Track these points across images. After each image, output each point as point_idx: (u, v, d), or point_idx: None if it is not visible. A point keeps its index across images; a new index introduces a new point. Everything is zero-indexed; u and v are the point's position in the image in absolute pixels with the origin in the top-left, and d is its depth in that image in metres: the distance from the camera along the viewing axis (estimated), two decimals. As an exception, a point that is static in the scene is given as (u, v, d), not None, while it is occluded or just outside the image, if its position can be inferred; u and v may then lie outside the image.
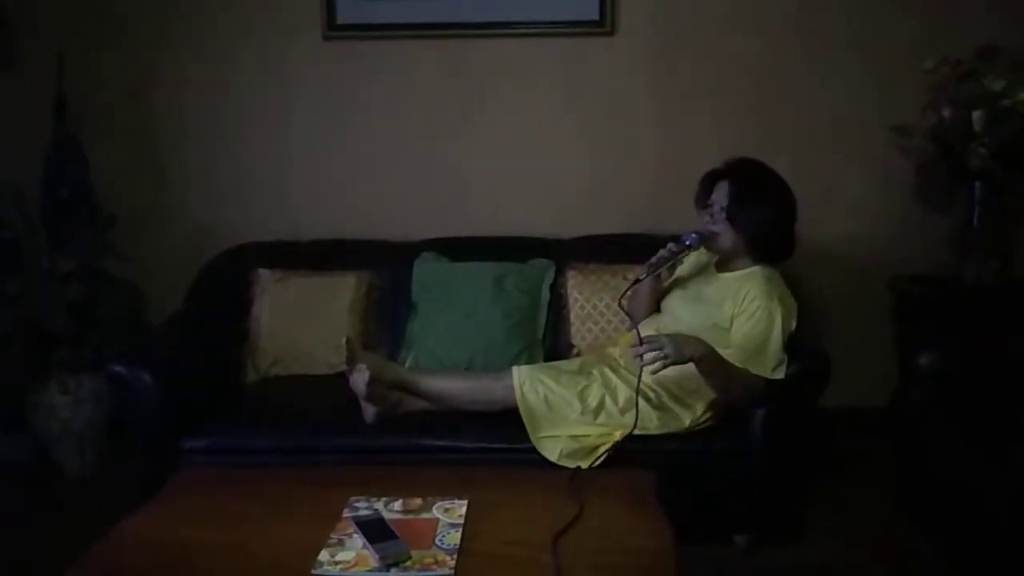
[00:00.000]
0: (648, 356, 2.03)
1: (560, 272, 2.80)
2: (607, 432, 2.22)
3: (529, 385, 2.28)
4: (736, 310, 2.27)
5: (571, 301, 2.75)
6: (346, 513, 1.66)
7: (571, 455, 2.18)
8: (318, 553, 1.51)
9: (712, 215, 2.33)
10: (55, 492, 2.84)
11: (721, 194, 2.32)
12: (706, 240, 2.34)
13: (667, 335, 2.13)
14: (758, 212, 2.29)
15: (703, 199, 2.38)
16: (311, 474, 1.97)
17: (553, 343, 2.74)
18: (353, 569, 1.47)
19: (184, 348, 2.62)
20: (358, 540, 1.55)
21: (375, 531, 1.55)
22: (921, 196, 3.06)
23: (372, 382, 2.32)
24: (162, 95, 3.10)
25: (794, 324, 2.27)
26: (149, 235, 3.13)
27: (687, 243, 2.30)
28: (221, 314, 2.79)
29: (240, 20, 3.04)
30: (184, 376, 2.47)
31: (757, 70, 3.01)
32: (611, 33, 2.98)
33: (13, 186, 2.84)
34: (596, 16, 2.96)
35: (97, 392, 2.84)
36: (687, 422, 2.27)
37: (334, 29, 3.01)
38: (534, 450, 2.23)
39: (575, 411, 2.24)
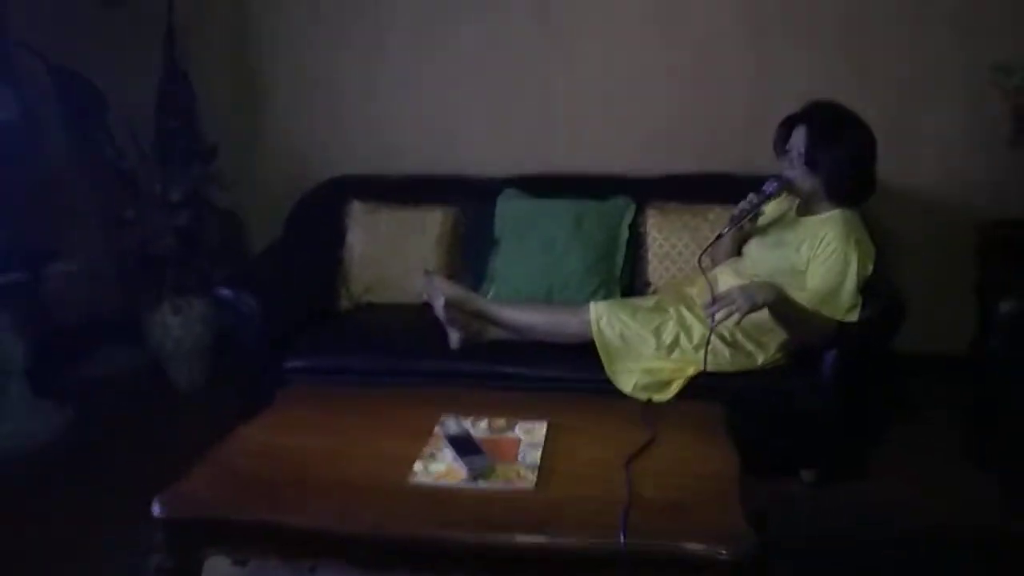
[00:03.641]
0: (720, 315, 2.11)
1: (640, 211, 2.86)
2: (680, 367, 2.32)
3: (606, 320, 2.38)
4: (813, 253, 2.30)
5: (650, 240, 2.81)
6: (437, 430, 1.81)
7: (645, 388, 2.28)
8: (413, 463, 1.67)
9: (791, 160, 2.35)
10: (167, 403, 3.11)
11: (799, 139, 2.33)
12: (785, 186, 2.36)
13: (739, 286, 2.19)
14: (835, 155, 2.29)
15: (781, 145, 2.39)
16: (403, 394, 2.13)
17: (630, 281, 2.81)
18: (444, 479, 1.63)
19: (283, 274, 2.81)
20: (448, 453, 1.70)
21: (464, 446, 1.70)
22: (1017, 139, 2.97)
23: (452, 309, 2.47)
24: (261, 29, 3.23)
25: (871, 268, 2.28)
26: (249, 165, 3.30)
27: (767, 192, 2.33)
28: (317, 243, 2.96)
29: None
30: (284, 300, 2.67)
31: (850, 5, 2.94)
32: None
33: (128, 118, 3.03)
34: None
35: (204, 313, 3.07)
36: (760, 360, 2.34)
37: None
38: (609, 381, 2.34)
39: (650, 346, 2.33)
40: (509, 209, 2.93)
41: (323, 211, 3.03)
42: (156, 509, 1.54)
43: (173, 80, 3.07)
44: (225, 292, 2.58)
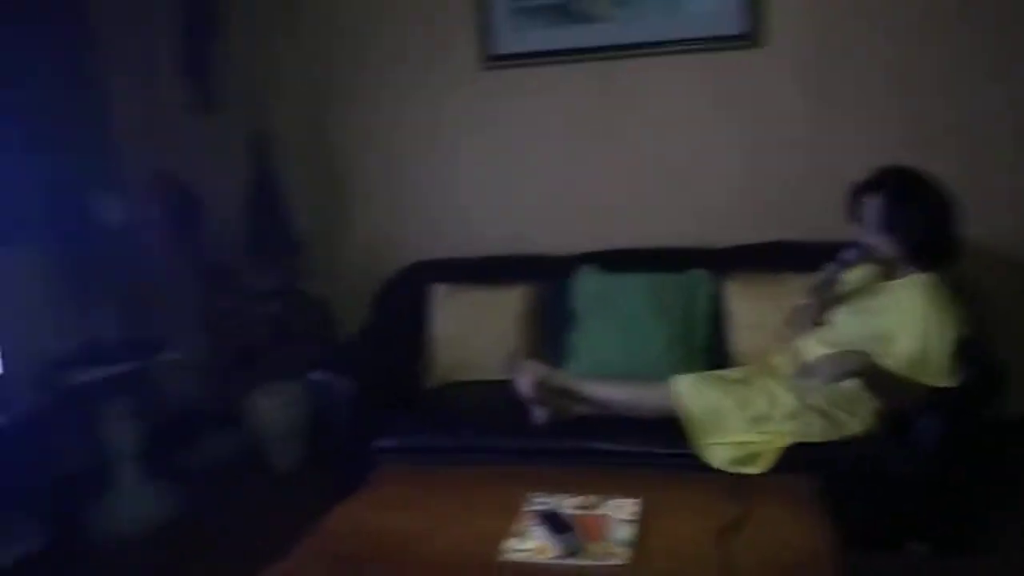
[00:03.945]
0: (810, 385, 2.09)
1: (719, 282, 2.87)
2: (770, 439, 2.29)
3: (692, 393, 2.38)
4: (898, 319, 2.27)
5: (731, 311, 2.81)
6: (526, 507, 1.83)
7: (735, 461, 2.26)
8: (504, 541, 1.70)
9: (867, 227, 2.34)
10: (266, 484, 3.22)
11: (873, 206, 2.32)
12: (865, 254, 2.35)
13: (827, 355, 2.17)
14: (912, 220, 2.28)
15: (854, 212, 2.38)
16: (491, 472, 2.17)
17: (714, 353, 2.80)
18: (536, 556, 1.65)
19: (372, 356, 2.91)
20: (539, 531, 1.72)
21: (554, 523, 1.72)
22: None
23: (536, 387, 2.51)
24: (342, 131, 3.44)
25: (961, 331, 2.23)
26: (335, 254, 3.47)
27: (847, 260, 2.33)
28: (402, 325, 3.06)
29: (408, 59, 3.31)
30: (373, 382, 2.76)
31: (911, 73, 2.95)
32: (758, 45, 3.02)
33: (222, 216, 3.24)
34: (742, 30, 3.00)
35: (298, 396, 3.19)
36: (853, 429, 2.29)
37: (491, 59, 3.23)
38: (697, 455, 2.33)
39: (738, 419, 2.32)
40: (587, 285, 2.98)
41: (407, 294, 3.14)
42: (260, 589, 1.60)
43: (263, 181, 3.28)
44: (318, 376, 2.69)
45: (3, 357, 2.66)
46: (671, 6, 3.07)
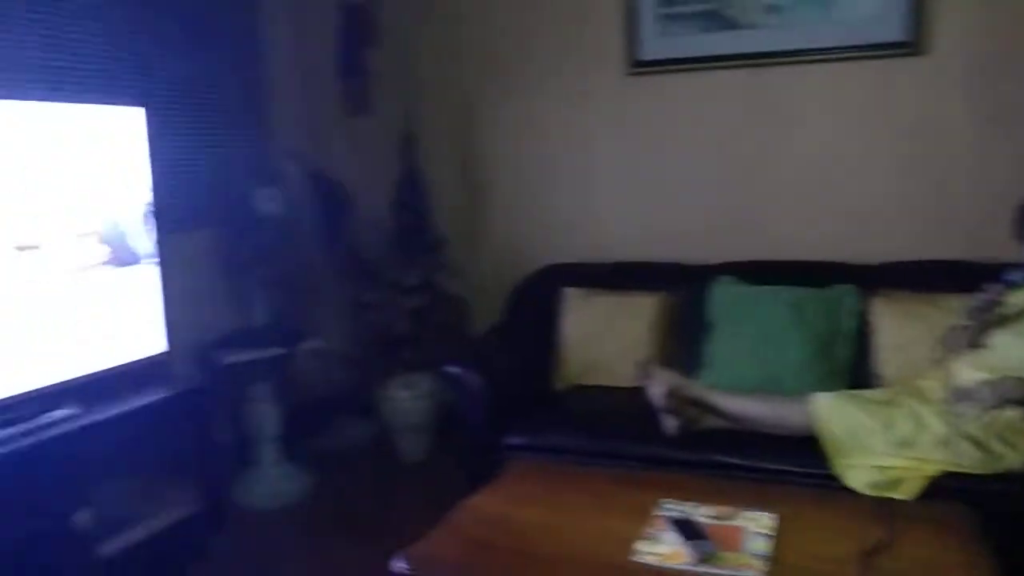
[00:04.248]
0: (966, 412, 1.98)
1: (865, 299, 2.76)
2: (916, 465, 2.17)
3: (832, 412, 2.30)
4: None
5: (878, 329, 2.69)
6: (658, 512, 1.82)
7: (877, 485, 2.16)
8: (635, 543, 1.70)
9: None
10: (394, 471, 3.34)
11: (1040, 226, 2.18)
12: (1030, 275, 2.21)
13: (987, 381, 2.05)
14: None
15: (1020, 231, 2.24)
16: (623, 475, 2.17)
17: (857, 372, 2.69)
18: (669, 561, 1.64)
19: (504, 355, 2.96)
20: (671, 536, 1.71)
21: (687, 530, 1.70)
22: None
23: (669, 396, 2.48)
24: (485, 134, 3.53)
25: None
26: (474, 254, 3.57)
27: (1010, 281, 2.19)
28: (534, 326, 3.11)
29: (553, 65, 3.37)
30: (504, 379, 2.81)
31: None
32: (920, 53, 2.89)
33: (370, 213, 3.39)
34: (904, 37, 2.88)
35: (430, 389, 3.30)
36: (1012, 462, 2.15)
37: (637, 65, 3.23)
38: (835, 476, 2.24)
39: (881, 442, 2.22)
40: (724, 295, 2.93)
41: (539, 296, 3.18)
42: (399, 564, 1.67)
43: (409, 181, 3.41)
44: (453, 370, 2.77)
45: (169, 334, 2.89)
46: (827, 12, 2.98)
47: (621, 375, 2.87)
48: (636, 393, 2.64)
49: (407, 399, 3.30)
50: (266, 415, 3.13)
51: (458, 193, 3.59)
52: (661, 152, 3.29)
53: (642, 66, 3.22)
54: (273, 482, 3.12)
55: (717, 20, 3.09)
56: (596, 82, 3.32)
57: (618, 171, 3.36)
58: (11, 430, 2.12)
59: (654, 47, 3.19)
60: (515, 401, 2.78)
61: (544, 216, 3.50)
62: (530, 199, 3.51)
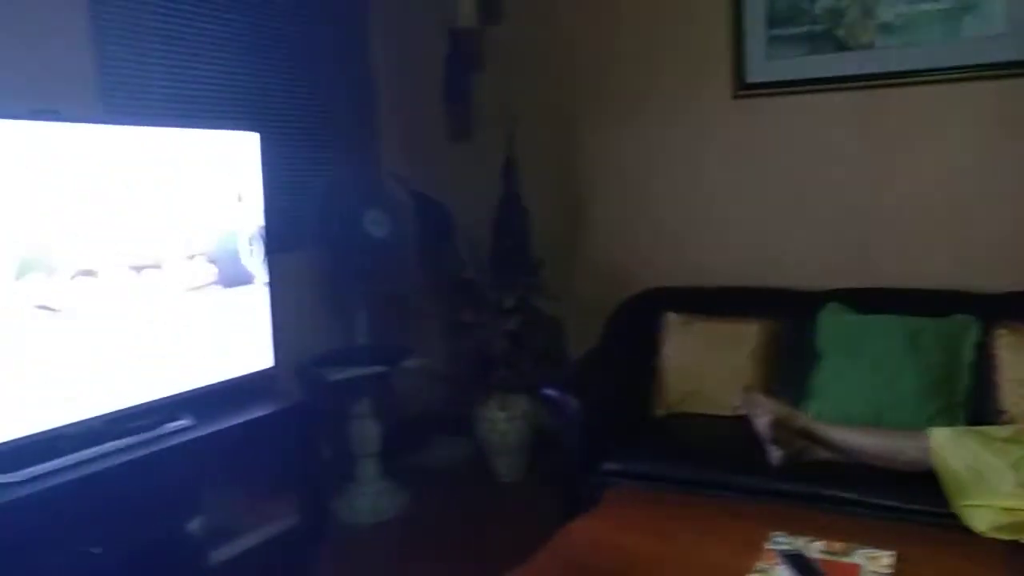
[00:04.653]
0: None
1: (986, 330, 2.62)
2: (1048, 509, 2.04)
3: (952, 449, 2.18)
4: None
5: (1001, 362, 2.55)
6: (767, 546, 1.76)
7: (1003, 528, 2.03)
8: (745, 577, 1.65)
9: None
10: (488, 491, 3.35)
11: None
12: None
13: None
14: None
15: None
16: (728, 506, 2.11)
17: (977, 407, 2.55)
18: (781, 598, 1.58)
19: (602, 379, 2.94)
20: (783, 571, 1.65)
21: (800, 565, 1.64)
22: None
23: (775, 426, 2.41)
24: (585, 157, 3.54)
25: None
26: (571, 277, 3.56)
27: None
28: (633, 351, 3.07)
29: (658, 88, 3.36)
30: (602, 404, 2.78)
31: None
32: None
33: (471, 234, 3.43)
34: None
35: (527, 411, 3.30)
36: None
37: (743, 88, 3.18)
38: (954, 516, 2.12)
39: (1008, 482, 2.08)
40: (833, 324, 2.83)
41: (639, 321, 3.15)
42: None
43: (510, 204, 3.44)
44: (551, 392, 2.76)
45: (275, 351, 2.99)
46: (949, 31, 2.87)
47: (723, 403, 2.82)
48: (739, 422, 2.59)
49: (503, 420, 3.32)
50: (367, 431, 3.19)
51: (557, 216, 3.60)
52: (768, 175, 3.23)
53: (749, 89, 3.17)
54: (372, 498, 3.17)
55: (828, 41, 3.02)
56: (701, 105, 3.28)
57: (722, 194, 3.31)
58: (133, 439, 2.23)
59: (762, 69, 3.14)
60: (613, 426, 2.75)
61: (644, 239, 3.47)
62: (630, 222, 3.49)
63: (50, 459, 2.03)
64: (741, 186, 3.27)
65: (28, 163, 2.00)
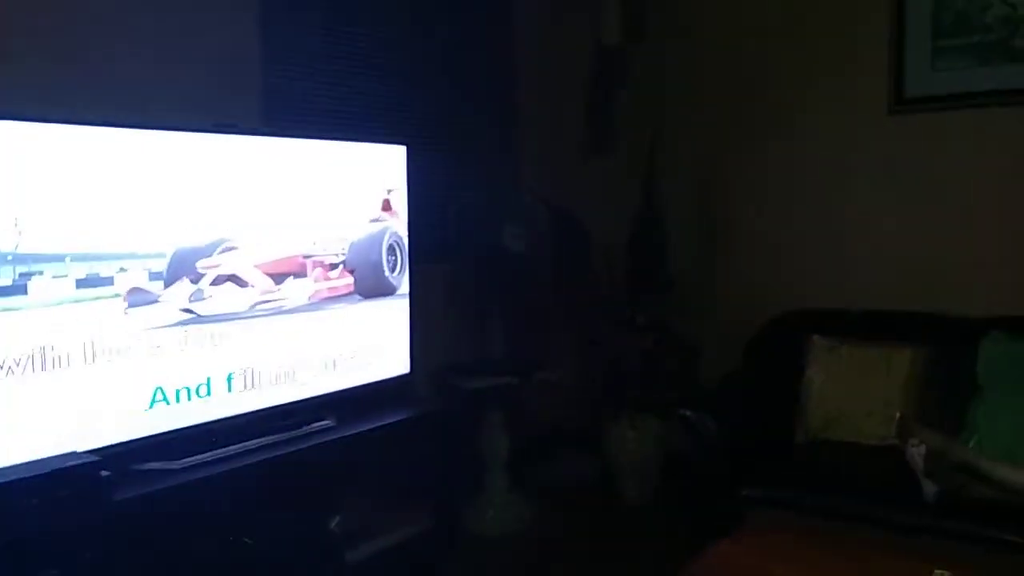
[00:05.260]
0: None
1: None
2: None
3: None
4: None
5: None
6: (933, 585, 1.65)
7: None
8: (906, 617, 1.54)
9: None
10: (614, 511, 3.31)
11: None
12: None
13: None
14: None
15: None
16: (881, 541, 1.99)
17: None
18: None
19: (741, 402, 2.85)
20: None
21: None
22: None
23: (932, 459, 2.26)
24: (727, 174, 3.47)
25: None
26: (708, 298, 3.49)
27: None
28: (774, 374, 2.96)
29: (806, 105, 3.27)
30: (741, 427, 2.70)
31: None
32: None
33: (606, 250, 3.42)
34: None
35: (658, 432, 3.23)
36: None
37: (901, 103, 3.03)
38: None
39: None
40: (997, 353, 2.64)
41: (781, 343, 3.04)
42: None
43: (648, 220, 3.41)
44: (688, 413, 2.70)
45: (412, 358, 3.06)
46: None
47: (869, 432, 2.70)
48: (887, 453, 2.46)
49: (633, 440, 3.27)
50: (497, 442, 3.21)
51: (696, 234, 3.54)
52: (926, 195, 3.07)
53: (908, 104, 3.03)
54: (500, 510, 3.18)
55: (1001, 51, 2.85)
56: (854, 120, 3.16)
57: (874, 213, 3.17)
58: (280, 436, 2.33)
59: (923, 83, 2.99)
60: (751, 451, 2.66)
61: (787, 259, 3.36)
62: (773, 241, 3.40)
63: (206, 451, 2.14)
64: (896, 205, 3.12)
65: (199, 173, 2.13)
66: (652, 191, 3.41)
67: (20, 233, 1.77)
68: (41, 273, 1.81)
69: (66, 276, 1.86)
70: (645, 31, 3.54)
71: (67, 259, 1.86)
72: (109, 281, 1.94)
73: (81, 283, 1.89)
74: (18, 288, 1.78)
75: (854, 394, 2.79)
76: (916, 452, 2.29)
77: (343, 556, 2.45)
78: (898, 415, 2.47)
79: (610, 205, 3.56)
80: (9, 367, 1.77)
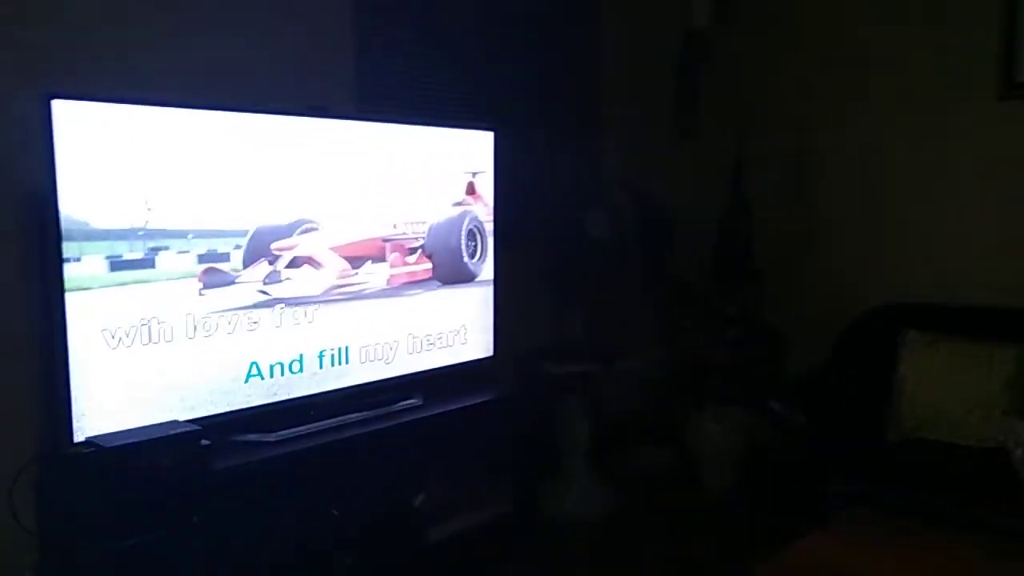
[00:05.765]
0: None
1: None
2: None
3: None
4: None
5: None
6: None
7: None
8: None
9: None
10: (694, 501, 3.27)
11: None
12: None
13: None
14: None
15: None
16: (983, 544, 1.91)
17: None
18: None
19: (832, 396, 2.77)
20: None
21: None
22: None
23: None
24: (820, 161, 3.37)
25: None
26: (797, 289, 3.40)
27: None
28: (866, 369, 2.87)
29: (908, 89, 3.13)
30: (830, 422, 2.63)
31: None
32: None
33: (692, 238, 3.36)
34: None
35: (742, 423, 3.17)
36: None
37: (1012, 88, 2.88)
38: None
39: None
40: (1111, 354, 2.49)
41: (875, 337, 2.94)
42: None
43: (736, 208, 3.33)
44: (776, 406, 2.65)
45: (495, 341, 3.08)
46: None
47: (968, 432, 2.60)
48: (989, 454, 2.35)
49: (717, 430, 3.21)
50: (577, 428, 3.21)
51: (786, 223, 3.44)
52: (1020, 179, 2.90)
53: (1019, 89, 2.87)
54: (578, 495, 3.18)
55: (1122, 33, 2.67)
56: (958, 107, 3.02)
57: (979, 204, 3.03)
58: (370, 412, 2.38)
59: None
60: (840, 447, 2.59)
61: (882, 251, 3.25)
62: (868, 232, 3.28)
63: (299, 425, 2.21)
64: (1003, 196, 2.97)
65: (290, 155, 2.19)
66: (741, 178, 3.33)
67: (149, 210, 1.87)
68: (167, 248, 1.92)
69: (188, 252, 1.96)
70: (734, 14, 3.45)
71: (189, 235, 1.97)
72: (226, 257, 2.04)
73: (202, 258, 1.99)
74: (147, 262, 1.89)
75: (953, 392, 2.68)
76: (1022, 453, 2.19)
77: (425, 533, 2.49)
78: (1001, 413, 2.35)
79: (697, 192, 3.50)
80: (120, 338, 1.86)
